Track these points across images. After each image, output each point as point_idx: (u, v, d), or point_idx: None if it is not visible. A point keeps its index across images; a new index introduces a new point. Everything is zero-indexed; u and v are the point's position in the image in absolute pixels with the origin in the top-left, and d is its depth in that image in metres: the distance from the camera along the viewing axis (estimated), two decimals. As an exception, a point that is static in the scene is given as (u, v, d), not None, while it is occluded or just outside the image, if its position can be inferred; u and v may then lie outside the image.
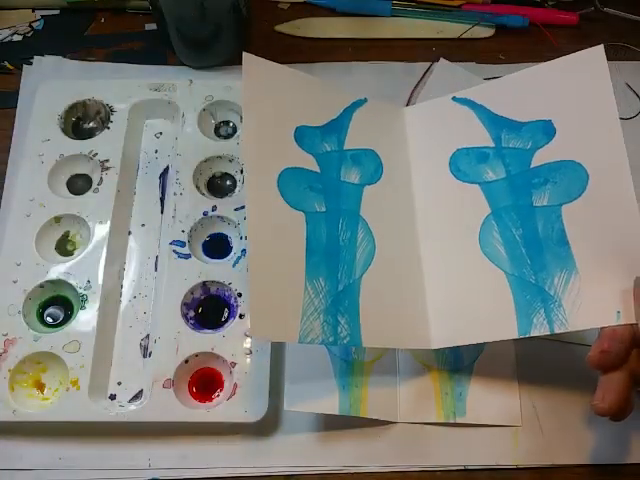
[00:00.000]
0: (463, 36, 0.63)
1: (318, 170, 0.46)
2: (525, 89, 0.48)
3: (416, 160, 0.50)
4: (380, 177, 0.49)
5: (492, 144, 0.48)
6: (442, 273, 0.47)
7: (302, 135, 0.47)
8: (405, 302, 0.46)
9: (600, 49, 0.45)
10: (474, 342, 0.45)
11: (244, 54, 0.46)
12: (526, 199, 0.45)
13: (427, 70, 0.61)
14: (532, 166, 0.46)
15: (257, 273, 0.41)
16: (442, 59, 0.61)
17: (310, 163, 0.46)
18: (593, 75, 0.45)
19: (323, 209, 0.45)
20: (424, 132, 0.51)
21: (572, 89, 0.46)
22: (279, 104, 0.47)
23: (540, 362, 0.49)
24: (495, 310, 0.44)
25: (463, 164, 0.48)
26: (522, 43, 0.63)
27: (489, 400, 0.48)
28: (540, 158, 0.46)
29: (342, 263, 0.44)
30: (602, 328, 0.40)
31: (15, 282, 0.49)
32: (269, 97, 0.46)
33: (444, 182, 0.48)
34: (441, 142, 0.50)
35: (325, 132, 0.48)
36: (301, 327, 0.41)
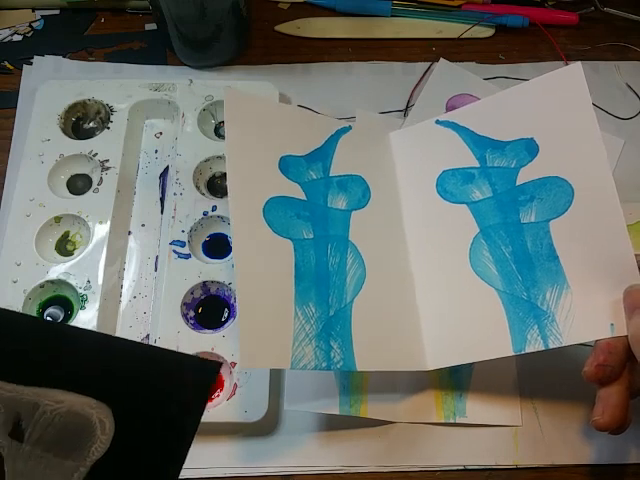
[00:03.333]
0: (463, 36, 0.63)
1: (304, 198, 0.47)
2: (506, 109, 0.48)
3: (403, 183, 0.51)
4: (368, 202, 0.49)
5: (477, 164, 0.48)
6: (434, 294, 0.47)
7: (287, 165, 0.47)
8: (398, 325, 0.46)
9: (578, 66, 0.45)
10: (469, 361, 0.45)
11: (227, 90, 0.47)
12: (514, 216, 0.46)
13: (427, 70, 0.61)
14: (518, 184, 0.46)
15: (245, 303, 0.41)
16: (442, 59, 0.61)
17: (296, 191, 0.47)
18: (572, 91, 0.45)
19: (311, 236, 0.46)
20: (410, 156, 0.51)
21: (552, 106, 0.46)
22: (262, 136, 0.47)
23: (540, 362, 0.49)
24: (489, 328, 0.44)
25: (450, 185, 0.49)
26: (522, 43, 0.63)
27: (489, 400, 0.48)
28: (525, 175, 0.46)
29: (332, 288, 0.44)
30: (596, 341, 0.40)
31: (15, 282, 0.49)
32: (252, 130, 0.47)
33: (432, 204, 0.49)
34: (427, 165, 0.50)
35: (310, 160, 0.48)
36: (293, 353, 0.41)
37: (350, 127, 0.51)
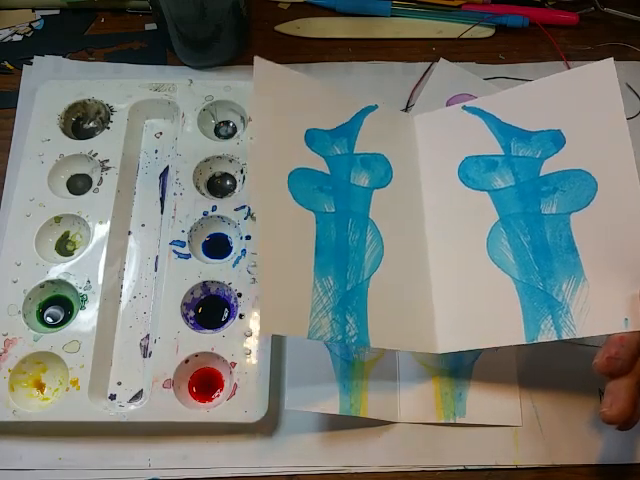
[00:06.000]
0: (463, 36, 0.63)
1: (328, 172, 0.47)
2: (535, 99, 0.48)
3: (425, 166, 0.51)
4: (389, 181, 0.49)
5: (501, 152, 0.48)
6: (450, 278, 0.47)
7: (312, 137, 0.47)
8: (412, 306, 0.46)
9: (610, 62, 0.45)
10: (481, 347, 0.45)
11: (255, 58, 0.46)
12: (534, 207, 0.46)
13: (427, 70, 0.61)
14: (541, 174, 0.46)
15: (267, 270, 0.41)
16: (442, 59, 0.61)
17: (320, 165, 0.47)
18: (603, 87, 0.45)
19: (332, 210, 0.45)
20: (434, 140, 0.51)
21: (582, 100, 0.46)
22: (290, 107, 0.47)
23: (540, 361, 0.49)
24: (502, 316, 0.44)
25: (472, 171, 0.49)
26: (522, 43, 0.63)
27: (489, 400, 0.48)
28: (549, 167, 0.46)
29: (351, 263, 0.44)
30: (609, 335, 0.40)
31: (15, 282, 0.49)
32: (280, 100, 0.47)
33: (453, 189, 0.49)
34: (451, 150, 0.50)
35: (335, 135, 0.48)
36: (310, 323, 0.41)
37: (377, 106, 0.51)
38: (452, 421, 0.47)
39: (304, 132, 0.47)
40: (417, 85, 0.60)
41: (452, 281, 0.47)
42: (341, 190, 0.47)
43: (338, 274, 0.44)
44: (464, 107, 0.51)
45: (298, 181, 0.45)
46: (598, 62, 0.46)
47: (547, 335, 0.42)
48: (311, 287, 0.42)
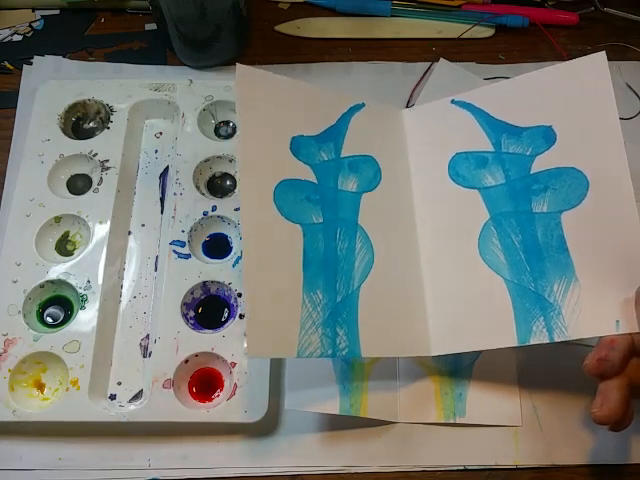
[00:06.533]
0: (463, 36, 0.63)
1: (315, 180, 0.46)
2: (526, 94, 0.48)
3: (415, 164, 0.50)
4: (379, 183, 0.48)
5: (491, 149, 0.48)
6: (442, 280, 0.47)
7: (298, 146, 0.46)
8: (404, 310, 0.46)
9: (602, 55, 0.45)
10: (473, 350, 0.45)
11: (237, 65, 0.45)
12: (525, 205, 0.45)
13: (427, 70, 0.61)
14: (532, 172, 0.46)
15: (253, 290, 0.41)
16: (442, 59, 0.61)
17: (307, 174, 0.46)
18: (595, 81, 0.45)
19: (320, 220, 0.45)
20: (423, 135, 0.51)
21: (573, 95, 0.46)
22: (274, 115, 0.46)
23: (540, 362, 0.49)
24: (494, 317, 0.44)
25: (462, 169, 0.48)
26: (522, 43, 0.63)
27: (489, 400, 0.48)
28: (540, 164, 0.46)
29: (340, 274, 0.44)
30: (601, 337, 0.40)
31: (15, 282, 0.49)
32: (263, 108, 0.46)
33: (443, 187, 0.48)
34: (440, 146, 0.49)
35: (321, 141, 0.47)
36: (299, 341, 0.41)
37: (363, 104, 0.50)
38: (452, 421, 0.47)
39: (289, 140, 0.46)
40: (417, 85, 0.60)
41: (444, 283, 0.46)
42: (329, 198, 0.46)
43: (327, 286, 0.43)
44: (453, 101, 0.50)
45: (284, 193, 0.44)
46: (590, 55, 0.45)
47: (539, 337, 0.42)
48: (300, 304, 0.42)
